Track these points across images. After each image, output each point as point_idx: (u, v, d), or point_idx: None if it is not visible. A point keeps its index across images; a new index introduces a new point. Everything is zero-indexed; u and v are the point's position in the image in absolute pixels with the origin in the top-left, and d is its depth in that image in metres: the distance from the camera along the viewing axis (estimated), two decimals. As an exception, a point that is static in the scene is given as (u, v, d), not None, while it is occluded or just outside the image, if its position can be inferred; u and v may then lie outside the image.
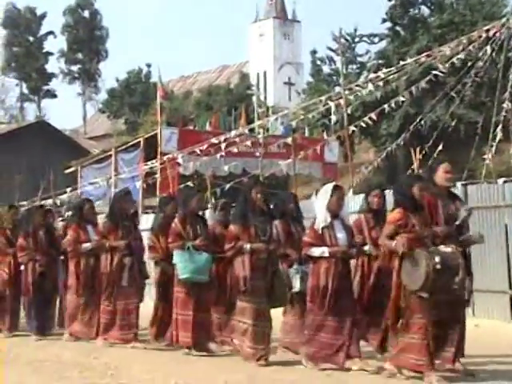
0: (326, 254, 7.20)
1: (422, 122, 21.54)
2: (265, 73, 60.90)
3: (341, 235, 7.32)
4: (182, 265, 8.32)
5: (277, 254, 7.90)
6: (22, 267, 10.26)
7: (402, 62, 20.75)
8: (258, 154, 20.78)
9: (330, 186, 7.42)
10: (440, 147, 19.30)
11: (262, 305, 7.69)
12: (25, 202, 21.28)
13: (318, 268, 7.27)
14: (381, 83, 19.13)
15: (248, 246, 7.72)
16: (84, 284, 9.66)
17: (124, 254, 9.10)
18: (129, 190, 10.69)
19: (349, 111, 18.12)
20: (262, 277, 7.72)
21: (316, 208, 7.42)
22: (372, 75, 19.47)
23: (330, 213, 7.29)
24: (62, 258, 10.58)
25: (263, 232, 7.84)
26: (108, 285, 9.12)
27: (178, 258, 8.39)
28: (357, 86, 19.59)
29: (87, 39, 61.50)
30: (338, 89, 28.87)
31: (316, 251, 7.26)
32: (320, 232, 7.29)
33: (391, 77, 19.25)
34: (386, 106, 18.83)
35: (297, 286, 7.85)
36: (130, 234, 9.25)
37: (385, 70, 19.63)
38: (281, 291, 7.76)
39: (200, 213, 8.83)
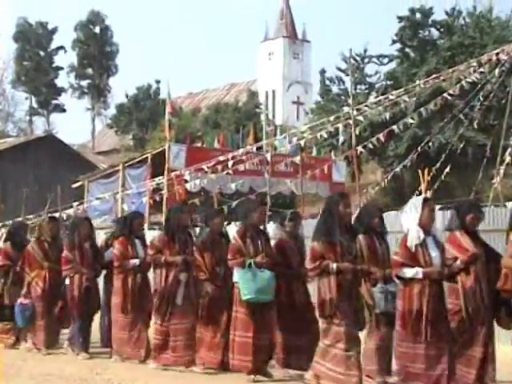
0: (420, 276, 6.56)
1: (430, 144, 21.54)
2: (273, 91, 61.15)
3: (434, 254, 6.67)
4: (245, 285, 7.73)
5: (361, 273, 7.31)
6: (67, 281, 9.71)
7: (411, 84, 20.79)
8: (265, 172, 20.77)
9: (419, 199, 6.81)
10: (448, 169, 19.30)
11: (351, 328, 7.10)
12: (31, 216, 21.30)
13: (409, 290, 6.59)
14: (388, 103, 19.17)
15: (334, 266, 7.10)
16: (131, 301, 9.09)
17: (180, 270, 8.49)
18: (186, 201, 10.29)
19: (357, 132, 18.11)
20: (347, 299, 7.15)
21: (406, 223, 6.77)
22: (381, 97, 19.47)
23: (421, 228, 6.66)
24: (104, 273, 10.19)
25: (349, 250, 7.23)
26: (162, 303, 8.48)
27: (239, 276, 7.83)
28: (365, 106, 19.61)
29: (97, 54, 61.82)
30: (346, 109, 28.94)
31: (408, 272, 6.60)
32: (413, 250, 6.62)
33: (399, 98, 19.28)
34: (394, 127, 18.84)
35: (381, 306, 7.21)
36: (187, 249, 8.65)
37: (394, 92, 19.67)
38: (362, 314, 7.27)
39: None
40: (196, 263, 8.53)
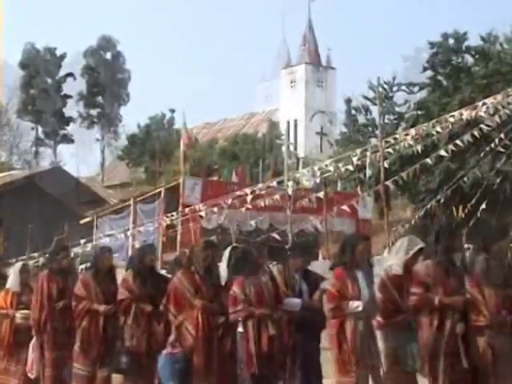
0: None
1: (465, 179, 21.49)
2: (295, 121, 61.31)
3: None
4: None
5: None
6: (240, 328, 7.93)
7: (443, 114, 20.78)
8: (287, 208, 20.80)
9: None
10: (483, 206, 19.20)
11: None
12: (36, 254, 21.41)
13: None
14: (419, 134, 19.18)
15: None
16: (350, 355, 7.19)
17: (457, 318, 6.79)
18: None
19: (385, 165, 18.12)
20: None
21: None
22: (412, 130, 19.45)
23: None
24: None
25: None
26: (432, 361, 6.75)
27: None
28: (394, 138, 19.62)
29: (108, 82, 62.44)
30: (374, 141, 28.98)
31: None
32: None
33: (431, 129, 19.29)
34: (426, 160, 18.81)
35: None
36: (462, 287, 6.99)
37: (425, 123, 19.68)
38: None
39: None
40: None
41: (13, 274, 10.36)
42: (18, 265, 10.57)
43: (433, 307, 6.70)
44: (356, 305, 7.12)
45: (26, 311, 9.83)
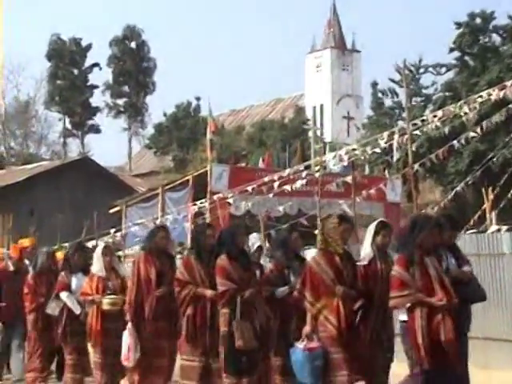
0: None
1: (494, 160, 21.29)
2: (322, 106, 61.16)
3: None
4: None
5: None
6: (403, 315, 6.98)
7: (471, 94, 20.58)
8: (315, 193, 20.76)
9: None
10: (514, 187, 19.03)
11: None
12: (67, 244, 21.58)
13: None
14: (447, 116, 19.02)
15: None
16: None
17: None
18: None
19: (413, 148, 17.98)
20: None
21: None
22: (440, 112, 19.29)
23: None
24: None
25: None
26: None
27: None
28: (422, 120, 19.48)
29: (134, 71, 62.66)
30: (401, 123, 28.83)
31: None
32: None
33: (459, 111, 19.14)
34: (454, 142, 18.66)
35: None
36: None
37: (453, 104, 19.52)
38: None
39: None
40: None
41: (96, 259, 9.63)
42: (100, 248, 9.82)
43: None
44: None
45: (113, 296, 9.16)
